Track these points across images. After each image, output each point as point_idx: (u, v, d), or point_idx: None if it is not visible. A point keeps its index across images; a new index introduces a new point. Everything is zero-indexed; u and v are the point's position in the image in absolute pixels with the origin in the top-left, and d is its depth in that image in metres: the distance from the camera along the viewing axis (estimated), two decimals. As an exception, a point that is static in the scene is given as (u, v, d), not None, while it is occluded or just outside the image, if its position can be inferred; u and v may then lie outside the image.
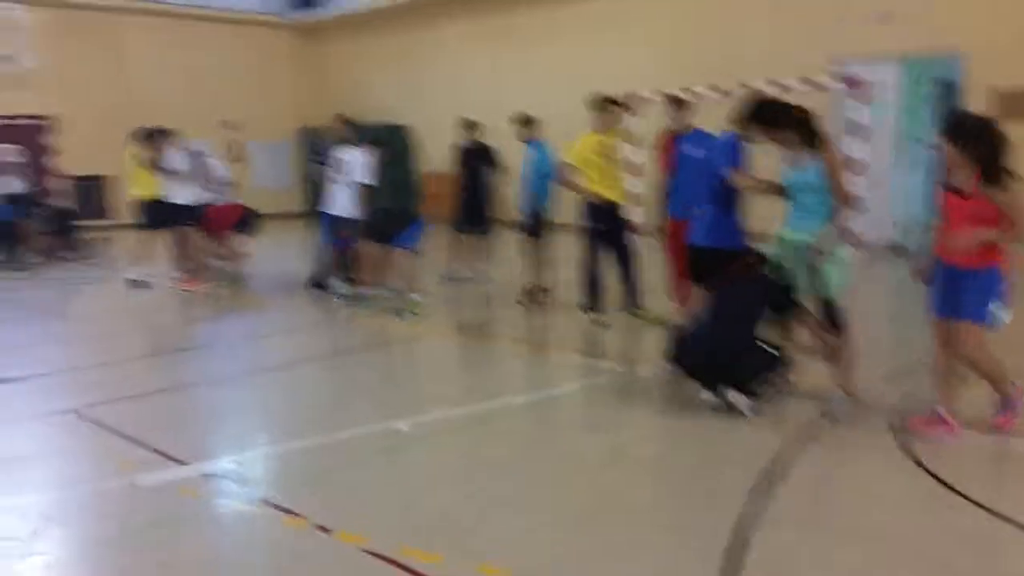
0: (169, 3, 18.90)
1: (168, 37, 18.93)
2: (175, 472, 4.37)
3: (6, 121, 16.50)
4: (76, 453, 4.74)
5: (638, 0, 15.15)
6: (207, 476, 4.33)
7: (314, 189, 14.34)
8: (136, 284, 9.99)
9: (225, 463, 4.50)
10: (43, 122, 17.36)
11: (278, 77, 20.98)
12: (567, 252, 8.45)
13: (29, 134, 16.79)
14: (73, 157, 17.58)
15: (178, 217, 9.94)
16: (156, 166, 9.87)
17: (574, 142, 7.63)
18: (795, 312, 5.27)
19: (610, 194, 7.49)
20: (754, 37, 13.28)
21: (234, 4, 19.96)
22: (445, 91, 17.93)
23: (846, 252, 5.21)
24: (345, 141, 9.08)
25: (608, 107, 7.54)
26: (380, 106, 18.57)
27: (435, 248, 10.48)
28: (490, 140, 10.33)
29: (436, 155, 11.10)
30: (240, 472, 4.38)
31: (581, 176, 7.54)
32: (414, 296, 8.44)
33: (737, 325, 5.08)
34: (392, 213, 8.81)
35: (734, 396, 5.07)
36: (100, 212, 17.98)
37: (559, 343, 7.34)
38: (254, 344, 7.57)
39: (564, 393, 5.80)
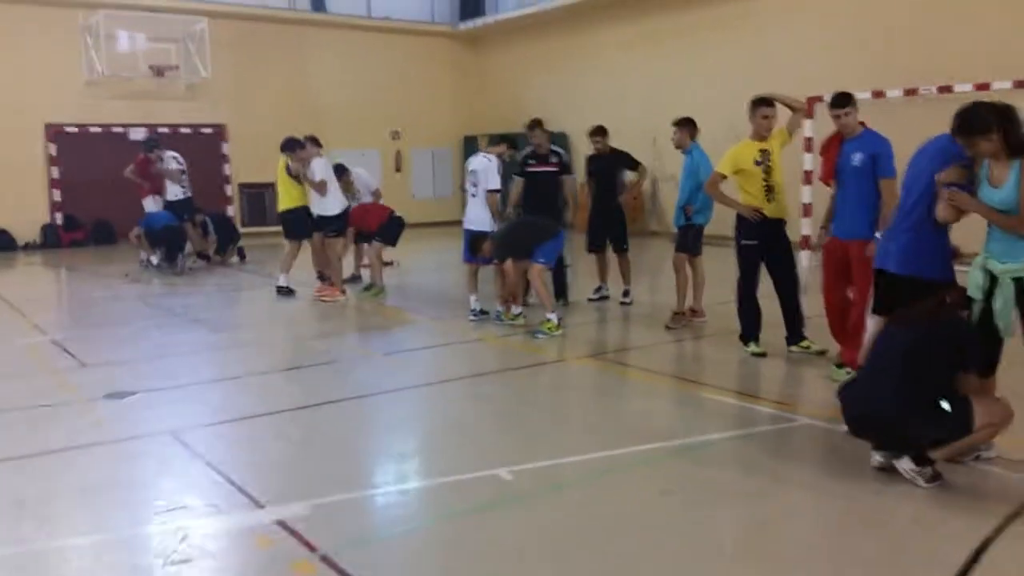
0: (345, 14, 19.29)
1: (342, 47, 19.34)
2: (249, 516, 3.91)
3: (180, 129, 17.29)
4: (153, 485, 4.37)
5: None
6: (280, 523, 3.81)
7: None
8: (282, 292, 9.92)
9: (302, 508, 3.96)
10: (214, 131, 18.07)
11: (442, 85, 21.00)
12: (727, 271, 7.45)
13: (200, 143, 17.53)
14: (244, 165, 18.22)
15: (320, 227, 9.78)
16: (297, 176, 9.76)
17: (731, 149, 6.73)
18: (995, 362, 4.18)
19: (767, 208, 6.50)
20: (961, 36, 11.68)
21: (406, 14, 20.19)
22: (605, 97, 17.18)
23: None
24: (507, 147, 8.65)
25: (760, 110, 6.56)
26: (540, 113, 18.01)
27: (585, 262, 9.77)
28: (646, 149, 9.55)
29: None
30: (315, 522, 3.83)
31: (736, 187, 6.65)
32: (550, 316, 7.75)
33: (924, 377, 4.03)
34: (531, 226, 8.20)
35: (911, 468, 4.06)
36: (267, 219, 18.54)
37: (708, 377, 6.41)
38: (375, 363, 7.12)
39: (706, 443, 4.90)
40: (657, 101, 15.65)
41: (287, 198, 10.06)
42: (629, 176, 9.40)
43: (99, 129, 16.76)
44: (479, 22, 20.14)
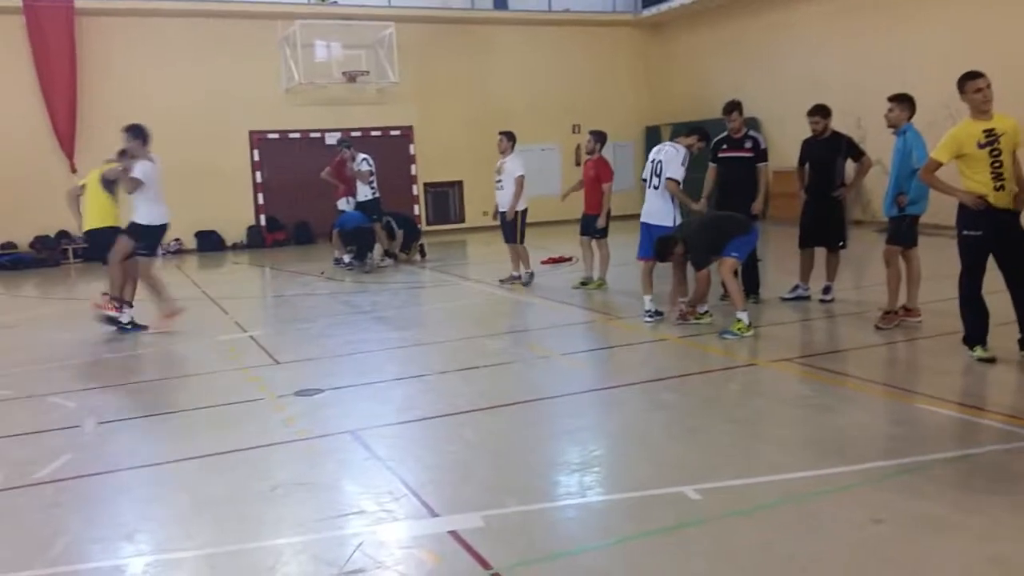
0: (525, 9, 19.34)
1: (522, 43, 19.44)
2: (422, 526, 3.82)
3: (371, 133, 17.95)
4: (334, 487, 4.37)
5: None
6: (453, 535, 3.68)
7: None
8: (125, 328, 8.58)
9: (476, 520, 3.81)
10: (402, 133, 18.60)
11: (624, 76, 20.67)
12: (947, 265, 6.65)
13: (389, 145, 18.12)
14: (429, 165, 18.71)
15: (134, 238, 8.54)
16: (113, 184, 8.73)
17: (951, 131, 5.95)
18: None
19: (995, 197, 5.70)
20: None
21: (587, 6, 20.04)
22: (801, 77, 16.15)
23: None
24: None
25: (969, 83, 5.73)
26: (728, 98, 17.25)
27: (778, 257, 9.11)
28: (850, 131, 8.64)
29: (791, 150, 9.40)
30: (489, 535, 3.66)
31: (959, 173, 5.89)
32: (740, 315, 7.24)
33: None
34: (724, 221, 7.67)
35: None
36: (450, 217, 18.94)
37: (925, 387, 5.72)
38: (552, 364, 6.90)
39: (923, 464, 4.29)
40: (860, 79, 14.53)
41: (100, 215, 8.73)
42: (849, 166, 8.50)
43: (297, 135, 17.70)
44: (663, 7, 19.55)
